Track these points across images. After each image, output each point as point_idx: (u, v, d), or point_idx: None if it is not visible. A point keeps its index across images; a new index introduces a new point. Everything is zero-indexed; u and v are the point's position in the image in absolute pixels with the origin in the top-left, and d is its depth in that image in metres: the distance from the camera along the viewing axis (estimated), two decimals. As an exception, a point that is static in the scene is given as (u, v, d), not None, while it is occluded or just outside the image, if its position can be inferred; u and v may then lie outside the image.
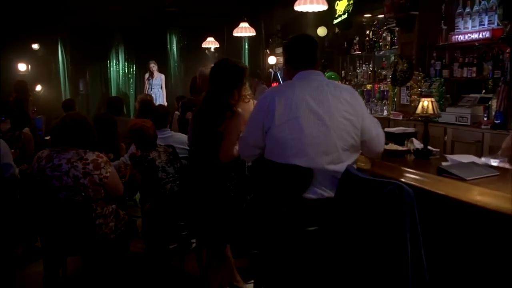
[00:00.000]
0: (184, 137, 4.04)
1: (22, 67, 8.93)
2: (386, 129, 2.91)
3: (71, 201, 2.68)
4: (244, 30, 6.78)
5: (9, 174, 3.47)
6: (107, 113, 4.60)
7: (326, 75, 6.63)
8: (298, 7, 4.60)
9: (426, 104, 2.46)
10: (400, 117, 5.01)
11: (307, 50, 2.35)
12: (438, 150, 2.60)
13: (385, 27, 5.83)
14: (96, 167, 2.73)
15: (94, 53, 9.95)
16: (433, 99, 2.48)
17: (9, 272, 3.60)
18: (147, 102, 5.01)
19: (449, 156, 2.13)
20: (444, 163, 2.10)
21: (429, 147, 2.53)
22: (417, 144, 2.62)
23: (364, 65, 6.40)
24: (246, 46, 9.74)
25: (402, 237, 1.64)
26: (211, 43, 8.47)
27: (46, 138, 5.86)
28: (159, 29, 10.12)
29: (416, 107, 2.54)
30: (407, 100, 5.11)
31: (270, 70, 8.55)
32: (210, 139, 2.65)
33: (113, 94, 10.07)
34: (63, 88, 9.70)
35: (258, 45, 9.08)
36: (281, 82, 8.18)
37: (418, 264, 1.65)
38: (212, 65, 4.82)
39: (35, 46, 9.22)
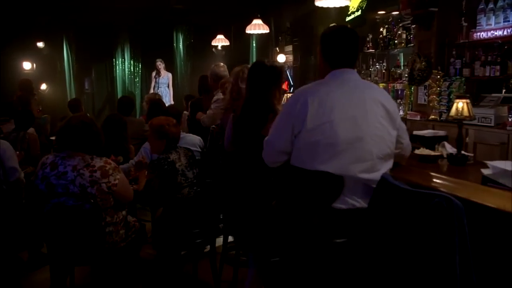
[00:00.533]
0: (196, 138, 3.89)
1: (27, 65, 8.80)
2: (415, 132, 2.74)
3: (79, 210, 2.52)
4: (257, 27, 6.59)
5: (14, 178, 3.33)
6: (118, 113, 4.43)
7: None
8: (319, 3, 4.41)
9: (461, 105, 2.29)
10: (418, 117, 4.84)
11: (351, 48, 2.11)
12: (472, 155, 2.43)
13: (400, 24, 5.64)
14: (103, 175, 2.56)
15: (100, 52, 9.81)
16: (468, 101, 2.31)
17: (13, 279, 3.46)
18: (157, 102, 4.84)
19: (489, 163, 1.95)
20: (485, 171, 1.93)
21: (463, 152, 2.36)
22: (450, 148, 2.45)
23: (377, 64, 6.22)
24: (254, 44, 9.57)
25: (451, 255, 1.47)
26: (220, 41, 8.28)
27: (52, 138, 5.73)
28: (165, 27, 9.96)
29: (448, 109, 2.36)
30: (424, 100, 4.93)
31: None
32: (255, 143, 2.48)
33: (119, 93, 9.94)
34: (68, 87, 9.58)
35: (267, 43, 8.90)
36: (291, 81, 8.00)
37: (468, 284, 1.49)
38: (221, 63, 4.77)
39: (40, 44, 9.11)
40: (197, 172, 3.18)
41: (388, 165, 2.03)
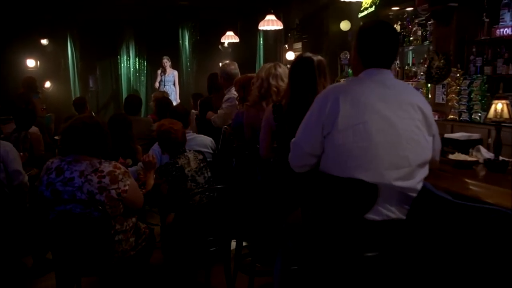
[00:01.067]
0: (207, 139, 3.71)
1: (31, 63, 8.66)
2: (447, 135, 2.57)
3: (87, 218, 2.35)
4: (270, 23, 6.33)
5: (18, 181, 3.17)
6: (122, 113, 4.26)
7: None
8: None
9: (500, 107, 2.12)
10: (436, 117, 4.63)
11: (391, 47, 1.92)
12: (511, 160, 2.25)
13: (416, 21, 5.45)
14: (113, 181, 2.39)
15: (104, 49, 9.66)
16: (507, 101, 2.13)
17: (17, 286, 3.30)
18: (164, 101, 4.67)
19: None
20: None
21: (501, 157, 2.18)
22: (485, 153, 2.27)
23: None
24: (261, 42, 9.38)
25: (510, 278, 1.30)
26: (230, 38, 8.05)
27: (57, 138, 5.57)
28: (171, 23, 9.79)
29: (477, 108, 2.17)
30: (442, 99, 4.74)
31: (288, 66, 8.14)
32: None
33: (124, 91, 9.80)
34: (72, 85, 9.43)
35: (275, 40, 8.70)
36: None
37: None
38: (232, 61, 4.60)
39: (44, 41, 8.95)
40: (209, 177, 3.00)
41: (424, 172, 1.86)
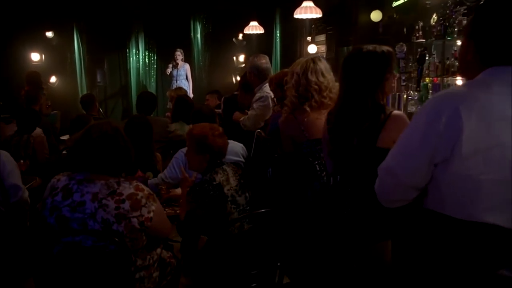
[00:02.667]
0: (238, 146, 3.18)
1: (35, 56, 8.20)
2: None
3: (101, 252, 1.85)
4: (308, 11, 5.63)
5: (16, 198, 2.65)
6: (143, 115, 3.73)
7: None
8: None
9: None
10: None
11: None
12: None
13: (463, 8, 4.89)
14: (134, 206, 1.89)
15: (113, 42, 9.17)
16: None
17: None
18: (183, 98, 4.14)
19: None
20: None
21: None
22: None
23: (427, 55, 5.49)
24: (278, 34, 8.84)
25: None
26: (255, 29, 7.46)
27: (62, 138, 5.10)
28: (182, 15, 9.28)
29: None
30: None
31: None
32: (369, 163, 1.74)
33: (133, 86, 9.34)
34: (79, 80, 8.97)
35: (295, 32, 8.14)
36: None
37: None
38: (263, 55, 4.06)
39: (49, 34, 8.49)
40: (250, 196, 2.41)
41: None
